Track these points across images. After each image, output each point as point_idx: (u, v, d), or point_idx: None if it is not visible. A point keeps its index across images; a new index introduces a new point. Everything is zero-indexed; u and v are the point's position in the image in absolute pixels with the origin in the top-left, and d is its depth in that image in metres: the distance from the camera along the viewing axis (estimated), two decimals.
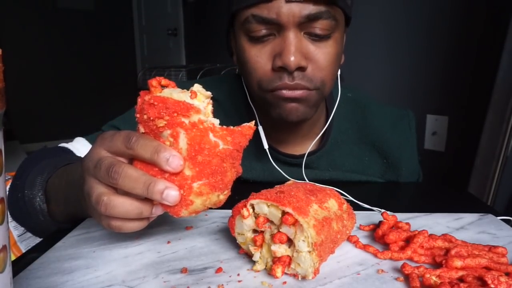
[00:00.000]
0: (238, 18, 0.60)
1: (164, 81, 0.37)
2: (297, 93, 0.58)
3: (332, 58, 0.59)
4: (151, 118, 0.35)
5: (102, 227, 0.40)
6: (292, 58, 0.55)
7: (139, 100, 0.36)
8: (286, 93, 0.58)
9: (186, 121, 0.35)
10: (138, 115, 0.36)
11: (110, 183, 0.35)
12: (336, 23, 0.58)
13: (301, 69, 0.57)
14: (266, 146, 0.69)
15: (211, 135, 0.35)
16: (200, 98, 0.37)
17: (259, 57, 0.59)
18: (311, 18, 0.55)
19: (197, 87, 0.37)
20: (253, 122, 0.38)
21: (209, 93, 0.38)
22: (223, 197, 0.38)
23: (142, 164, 0.36)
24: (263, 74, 0.59)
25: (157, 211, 0.37)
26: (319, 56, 0.58)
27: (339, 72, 0.67)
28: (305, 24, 0.56)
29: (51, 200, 0.54)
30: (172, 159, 0.34)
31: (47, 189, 0.54)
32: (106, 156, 0.37)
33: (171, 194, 0.34)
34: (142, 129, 0.37)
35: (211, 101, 0.38)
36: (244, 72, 0.63)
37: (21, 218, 0.57)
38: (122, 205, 0.35)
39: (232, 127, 0.37)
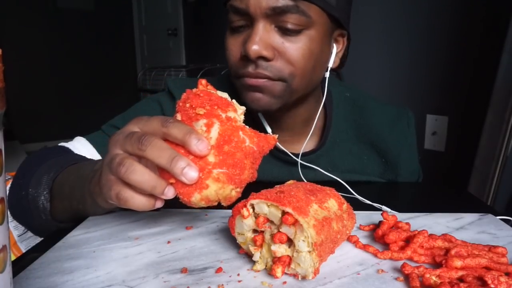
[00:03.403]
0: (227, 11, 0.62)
1: (210, 86, 0.42)
2: (259, 81, 0.60)
3: (303, 54, 0.59)
4: (193, 106, 0.39)
5: (109, 198, 0.40)
6: (254, 47, 0.56)
7: (183, 95, 0.41)
8: (248, 80, 0.60)
9: (223, 115, 0.39)
10: (180, 104, 0.40)
11: (139, 149, 0.37)
12: (308, 20, 0.58)
13: (265, 59, 0.58)
14: (269, 130, 0.70)
15: (240, 132, 0.39)
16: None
17: (233, 46, 0.61)
18: (278, 11, 0.56)
19: (234, 101, 0.42)
20: (277, 135, 0.42)
21: (243, 107, 0.42)
22: (235, 193, 0.39)
23: (171, 144, 0.38)
24: (233, 62, 0.62)
25: (169, 192, 0.37)
26: (287, 50, 0.58)
27: (327, 75, 0.67)
28: (274, 17, 0.57)
29: (55, 196, 0.54)
30: (201, 142, 0.36)
31: (53, 186, 0.54)
32: (139, 131, 0.39)
33: (191, 172, 0.36)
34: (179, 117, 0.40)
35: (243, 112, 0.42)
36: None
37: (22, 217, 0.57)
38: (142, 172, 0.37)
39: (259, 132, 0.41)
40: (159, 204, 0.39)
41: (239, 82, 0.63)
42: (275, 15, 0.56)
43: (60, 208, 0.54)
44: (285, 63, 0.59)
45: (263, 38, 0.57)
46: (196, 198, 0.37)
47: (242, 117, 0.41)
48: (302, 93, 0.65)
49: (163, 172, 0.37)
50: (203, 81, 0.42)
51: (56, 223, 0.55)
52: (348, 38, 0.68)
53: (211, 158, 0.37)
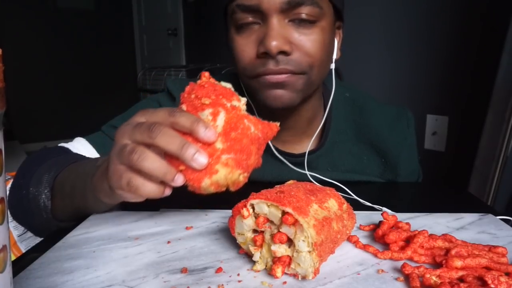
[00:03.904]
0: (228, 11, 0.61)
1: (212, 79, 0.43)
2: (282, 77, 0.59)
3: (318, 45, 0.59)
4: (199, 97, 0.40)
5: (119, 187, 0.40)
6: (274, 43, 0.56)
7: (187, 87, 0.42)
8: (270, 78, 0.59)
9: (228, 104, 0.40)
10: (185, 95, 0.42)
11: (149, 137, 0.38)
12: (321, 11, 0.58)
13: (285, 53, 0.58)
14: None
15: (245, 120, 0.40)
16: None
17: (245, 46, 0.60)
18: (293, 4, 0.56)
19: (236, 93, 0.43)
20: (279, 123, 0.43)
21: (245, 98, 0.43)
22: (242, 178, 0.40)
23: (179, 133, 0.39)
24: (248, 61, 0.61)
25: (179, 180, 0.38)
26: (304, 42, 0.58)
27: (333, 66, 0.67)
28: (288, 11, 0.57)
29: (56, 194, 0.54)
30: (209, 130, 0.38)
31: (54, 185, 0.54)
32: (146, 121, 0.40)
33: (200, 157, 0.37)
34: (184, 108, 0.41)
35: (245, 103, 0.43)
36: (234, 63, 0.64)
37: (23, 217, 0.57)
38: (153, 159, 0.38)
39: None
40: (167, 192, 0.40)
41: (256, 82, 0.62)
42: (290, 9, 0.56)
43: (61, 207, 0.54)
44: (303, 56, 0.59)
45: (280, 33, 0.57)
46: (206, 183, 0.38)
47: (245, 107, 0.42)
48: (317, 85, 0.65)
49: (171, 160, 0.39)
50: (206, 74, 0.43)
51: (56, 222, 0.55)
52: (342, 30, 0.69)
53: (219, 145, 0.38)
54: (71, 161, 0.57)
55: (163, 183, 0.39)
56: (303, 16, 0.57)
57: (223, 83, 0.43)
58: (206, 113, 0.39)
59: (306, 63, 0.59)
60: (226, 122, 0.39)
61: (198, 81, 0.42)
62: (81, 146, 0.67)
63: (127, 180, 0.39)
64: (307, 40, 0.58)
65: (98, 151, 0.68)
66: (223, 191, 0.40)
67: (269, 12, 0.56)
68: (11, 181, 0.60)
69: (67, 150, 0.66)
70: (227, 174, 0.38)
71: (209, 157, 0.38)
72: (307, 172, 0.69)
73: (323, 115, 0.75)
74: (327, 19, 0.60)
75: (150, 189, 0.39)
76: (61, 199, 0.54)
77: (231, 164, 0.38)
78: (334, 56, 0.67)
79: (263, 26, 0.59)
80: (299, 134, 0.73)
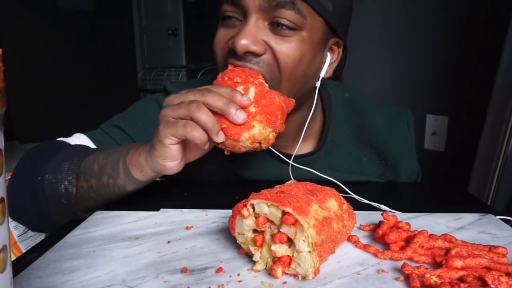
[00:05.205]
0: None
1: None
2: None
3: (294, 55, 0.56)
4: (231, 78, 0.52)
5: (174, 133, 0.47)
6: (242, 42, 0.54)
7: (219, 75, 0.54)
8: None
9: (256, 81, 0.52)
10: (219, 79, 0.53)
11: (201, 96, 0.47)
12: (303, 21, 0.55)
13: (254, 55, 0.56)
14: None
15: (270, 93, 0.51)
16: None
17: (221, 39, 0.60)
18: (273, 5, 0.54)
19: None
20: (294, 100, 0.55)
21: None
22: (272, 136, 0.50)
23: None
24: (220, 54, 0.60)
25: (221, 136, 0.47)
26: (278, 48, 0.56)
27: (318, 84, 0.64)
28: (268, 12, 0.55)
29: (79, 177, 0.55)
30: (244, 96, 0.48)
31: (78, 171, 0.56)
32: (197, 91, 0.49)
33: (241, 113, 0.47)
34: None
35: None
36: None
37: (31, 206, 0.57)
38: (207, 112, 0.47)
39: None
40: (207, 146, 0.49)
41: None
42: (270, 10, 0.54)
43: (85, 188, 0.55)
44: (274, 60, 0.56)
45: (253, 33, 0.55)
46: (244, 136, 0.47)
47: (267, 86, 0.54)
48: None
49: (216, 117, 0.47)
50: (231, 65, 0.56)
51: (76, 208, 0.55)
52: (344, 49, 0.66)
53: (252, 109, 0.49)
54: (91, 150, 0.59)
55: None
56: (284, 21, 0.55)
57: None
58: (239, 89, 0.50)
59: (276, 75, 0.57)
60: (256, 94, 0.50)
61: (230, 66, 0.55)
62: (81, 142, 0.66)
63: (184, 123, 0.46)
64: (282, 47, 0.56)
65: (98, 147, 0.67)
66: (255, 150, 0.50)
67: (249, 7, 0.55)
68: (13, 171, 0.59)
69: (67, 145, 0.65)
70: (261, 129, 0.48)
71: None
72: (291, 178, 0.68)
73: (322, 119, 0.74)
74: (311, 31, 0.57)
75: (200, 134, 0.46)
76: (85, 181, 0.55)
77: (264, 121, 0.48)
78: (322, 74, 0.63)
79: (242, 24, 0.57)
80: (292, 139, 0.71)
